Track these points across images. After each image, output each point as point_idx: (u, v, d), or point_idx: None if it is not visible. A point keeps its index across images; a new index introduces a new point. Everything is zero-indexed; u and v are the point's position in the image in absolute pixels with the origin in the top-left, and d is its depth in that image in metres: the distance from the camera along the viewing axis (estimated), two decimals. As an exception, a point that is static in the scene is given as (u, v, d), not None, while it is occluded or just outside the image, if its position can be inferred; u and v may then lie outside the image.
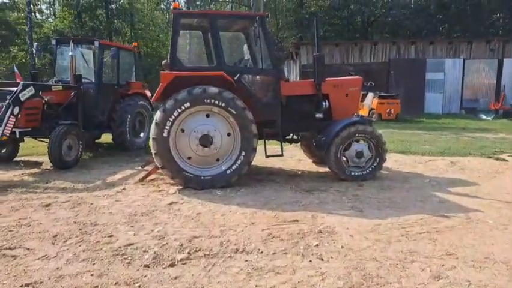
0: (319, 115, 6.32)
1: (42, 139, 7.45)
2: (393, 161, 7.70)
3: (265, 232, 3.86)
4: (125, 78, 9.08)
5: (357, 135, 5.97)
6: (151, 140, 5.33)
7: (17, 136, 6.54)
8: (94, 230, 3.86)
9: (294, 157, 8.22)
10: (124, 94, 8.73)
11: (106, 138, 9.44)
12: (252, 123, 5.52)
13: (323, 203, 4.88)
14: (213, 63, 5.76)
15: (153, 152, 5.31)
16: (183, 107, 5.30)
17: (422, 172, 6.87)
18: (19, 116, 6.34)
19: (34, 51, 8.21)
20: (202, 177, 5.50)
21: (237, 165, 5.57)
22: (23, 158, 7.91)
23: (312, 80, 6.30)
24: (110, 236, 3.70)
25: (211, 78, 5.48)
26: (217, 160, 5.68)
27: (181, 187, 5.49)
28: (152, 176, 6.04)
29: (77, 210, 4.54)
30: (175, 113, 5.30)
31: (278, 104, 5.99)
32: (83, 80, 8.15)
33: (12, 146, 7.30)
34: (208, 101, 5.35)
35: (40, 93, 6.75)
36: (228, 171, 5.56)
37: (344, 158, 6.07)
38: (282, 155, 6.10)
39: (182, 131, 5.50)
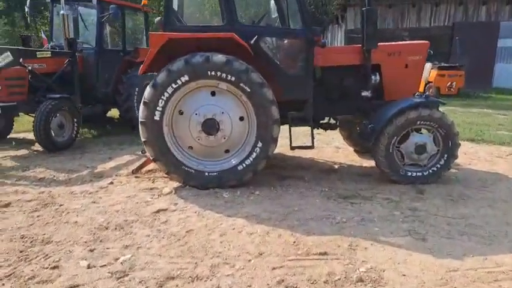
0: (366, 93, 4.83)
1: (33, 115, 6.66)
2: (461, 154, 6.01)
3: (276, 274, 2.66)
4: (133, 43, 7.98)
5: (419, 122, 4.43)
6: (139, 124, 4.20)
7: (-1, 112, 5.74)
8: (38, 254, 2.88)
9: (331, 144, 6.81)
10: (131, 62, 7.66)
11: (116, 113, 8.59)
12: (273, 104, 4.19)
13: (365, 222, 3.54)
14: (221, 22, 4.40)
15: (142, 139, 4.20)
16: (179, 82, 4.07)
17: (504, 172, 5.21)
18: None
19: (27, 9, 7.28)
20: (207, 174, 4.34)
21: (251, 159, 4.33)
22: (20, 135, 7.25)
23: (359, 45, 4.75)
24: (54, 268, 2.69)
25: (218, 42, 4.17)
26: (227, 152, 4.47)
27: (179, 184, 4.39)
28: (150, 166, 4.99)
29: (38, 215, 3.60)
30: (169, 90, 4.09)
31: (310, 78, 4.56)
32: (83, 46, 7.17)
33: (4, 122, 6.57)
34: (213, 73, 4.07)
35: (21, 60, 5.83)
36: (240, 167, 4.35)
37: (399, 153, 4.58)
38: (312, 147, 4.74)
39: (181, 113, 4.31)
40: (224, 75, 4.09)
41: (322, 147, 6.58)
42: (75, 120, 6.27)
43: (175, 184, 4.42)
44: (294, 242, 3.12)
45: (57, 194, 4.17)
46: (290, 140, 4.69)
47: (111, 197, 4.11)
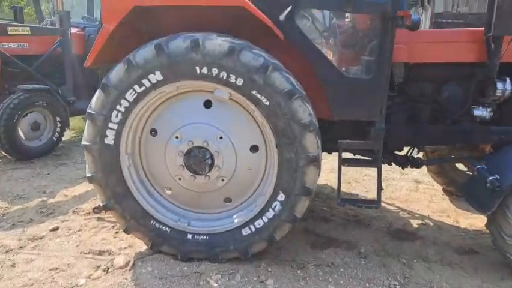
0: (482, 112, 2.79)
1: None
2: None
3: None
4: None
5: None
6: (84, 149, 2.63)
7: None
8: None
9: (405, 174, 4.73)
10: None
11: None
12: (310, 130, 2.39)
13: None
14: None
15: (88, 174, 2.63)
16: (147, 83, 2.41)
17: None
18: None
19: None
20: (191, 236, 2.68)
21: (265, 220, 2.57)
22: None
23: (480, 29, 2.70)
24: None
25: (219, 15, 2.42)
26: (227, 201, 2.75)
27: (146, 248, 2.78)
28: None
29: None
30: (130, 96, 2.44)
31: (385, 84, 2.63)
32: (85, 22, 5.86)
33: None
34: (206, 71, 2.34)
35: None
36: (246, 231, 2.62)
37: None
38: (378, 205, 2.80)
39: (153, 133, 2.66)
40: (224, 74, 2.34)
41: (392, 179, 4.56)
42: (58, 118, 4.98)
43: (141, 247, 2.81)
44: None
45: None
46: (338, 188, 2.81)
47: (29, 265, 2.58)
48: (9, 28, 4.97)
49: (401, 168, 3.33)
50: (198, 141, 2.54)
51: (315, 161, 2.44)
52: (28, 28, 5.20)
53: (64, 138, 5.29)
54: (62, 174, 4.42)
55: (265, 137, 2.56)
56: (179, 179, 2.65)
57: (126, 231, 2.69)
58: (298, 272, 2.65)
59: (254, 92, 2.35)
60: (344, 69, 2.70)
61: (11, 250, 2.77)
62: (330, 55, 2.76)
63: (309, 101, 2.44)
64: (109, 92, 2.43)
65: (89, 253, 2.73)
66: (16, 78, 5.09)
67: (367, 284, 2.57)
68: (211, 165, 2.56)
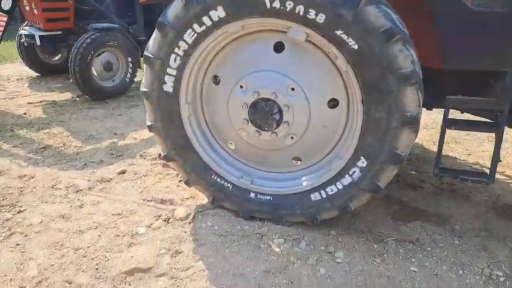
0: None
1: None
2: None
3: None
4: None
5: None
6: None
7: (38, 42, 4.75)
8: None
9: None
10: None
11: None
12: (411, 82, 1.84)
13: None
14: None
15: (147, 122, 2.47)
16: (208, 21, 2.03)
17: None
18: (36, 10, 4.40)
19: None
20: (253, 195, 2.45)
21: (341, 186, 2.21)
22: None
23: None
24: None
25: None
26: (296, 160, 2.42)
27: (208, 202, 2.65)
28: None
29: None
30: (189, 36, 2.11)
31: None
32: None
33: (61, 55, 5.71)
34: (280, 5, 1.87)
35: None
36: (316, 196, 2.30)
37: None
38: (489, 181, 2.21)
39: (216, 81, 2.35)
40: (302, 8, 1.85)
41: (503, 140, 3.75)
42: (129, 59, 4.94)
43: (203, 199, 2.69)
44: None
45: (33, 187, 2.93)
46: (438, 155, 2.27)
47: (95, 208, 2.62)
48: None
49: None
50: (265, 93, 2.17)
51: (413, 123, 1.93)
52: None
53: (136, 79, 5.31)
54: (133, 116, 4.47)
55: (348, 90, 2.09)
56: (243, 133, 2.36)
57: (187, 183, 2.56)
58: (375, 246, 2.30)
59: (339, 32, 1.85)
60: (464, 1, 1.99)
61: (80, 190, 2.85)
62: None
63: (412, 44, 1.86)
64: (165, 32, 2.13)
65: (151, 201, 2.70)
66: (89, 16, 5.07)
67: (460, 271, 2.13)
68: (280, 121, 2.21)
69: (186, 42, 2.13)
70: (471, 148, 3.81)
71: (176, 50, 2.16)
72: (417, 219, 2.60)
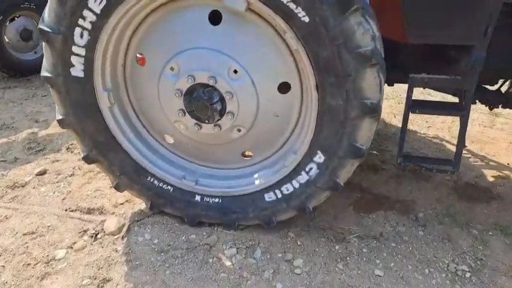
0: None
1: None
2: None
3: None
4: None
5: None
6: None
7: None
8: None
9: (495, 122, 3.75)
10: None
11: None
12: (372, 61, 1.52)
13: None
14: None
15: (58, 116, 1.98)
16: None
17: None
18: None
19: None
20: (199, 198, 2.09)
21: (297, 185, 1.90)
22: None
23: None
24: None
25: None
26: (244, 156, 2.08)
27: (146, 209, 2.26)
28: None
29: None
30: (95, 3, 1.61)
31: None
32: None
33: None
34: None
35: None
36: (270, 196, 1.98)
37: None
38: (455, 169, 2.01)
39: (140, 59, 1.88)
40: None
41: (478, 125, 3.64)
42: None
43: (140, 204, 2.29)
44: None
45: None
46: (401, 143, 2.02)
47: (3, 226, 2.11)
48: None
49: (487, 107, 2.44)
50: (202, 77, 1.76)
51: (374, 112, 1.63)
52: None
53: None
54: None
55: (301, 72, 1.73)
56: (181, 126, 1.96)
57: (117, 188, 2.14)
58: (337, 247, 2.07)
59: (285, 0, 1.45)
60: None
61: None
62: None
63: (373, 15, 1.52)
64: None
65: (76, 210, 2.25)
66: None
67: (426, 270, 1.97)
68: (222, 112, 1.82)
69: (93, 12, 1.64)
70: (430, 120, 3.69)
71: (81, 22, 1.66)
72: (379, 209, 2.40)
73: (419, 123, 3.65)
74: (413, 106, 1.91)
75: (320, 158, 1.80)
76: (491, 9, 1.64)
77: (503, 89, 2.43)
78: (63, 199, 2.35)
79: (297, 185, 1.91)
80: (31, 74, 4.19)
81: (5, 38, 3.90)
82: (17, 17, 4.00)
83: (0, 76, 4.19)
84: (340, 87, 1.58)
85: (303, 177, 1.88)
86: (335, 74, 1.56)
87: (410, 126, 3.48)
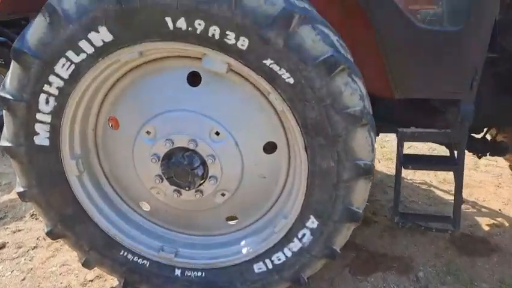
0: None
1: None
2: None
3: None
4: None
5: None
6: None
7: None
8: None
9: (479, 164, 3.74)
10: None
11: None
12: (362, 121, 1.45)
13: None
14: None
15: (18, 189, 1.77)
16: (87, 47, 1.44)
17: None
18: None
19: None
20: (180, 272, 1.87)
21: (289, 254, 1.72)
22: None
23: None
24: None
25: None
26: (229, 220, 1.91)
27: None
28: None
29: None
30: (63, 69, 1.49)
31: (483, 37, 1.60)
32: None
33: None
34: (186, 25, 1.35)
35: None
36: (260, 267, 1.79)
37: None
38: (456, 227, 1.90)
39: (113, 122, 1.74)
40: (216, 30, 1.35)
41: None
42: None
43: (112, 281, 2.03)
44: None
45: None
46: (396, 200, 1.91)
47: None
48: None
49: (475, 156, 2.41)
50: (182, 140, 1.63)
51: (368, 173, 1.53)
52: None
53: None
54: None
55: (287, 131, 1.63)
56: (158, 193, 1.78)
57: (86, 265, 1.89)
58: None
59: (268, 62, 1.38)
60: (416, 15, 1.65)
61: None
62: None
63: (359, 74, 1.47)
64: (27, 63, 1.48)
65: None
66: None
67: None
68: (204, 176, 1.67)
69: (60, 77, 1.51)
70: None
71: (47, 87, 1.53)
72: (377, 270, 2.24)
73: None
74: (406, 162, 1.84)
75: (313, 223, 1.65)
76: (476, 63, 1.62)
77: (488, 136, 2.43)
78: (22, 279, 2.07)
79: (289, 254, 1.74)
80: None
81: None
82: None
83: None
84: (330, 148, 1.48)
85: (295, 245, 1.71)
86: (324, 135, 1.46)
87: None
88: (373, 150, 1.53)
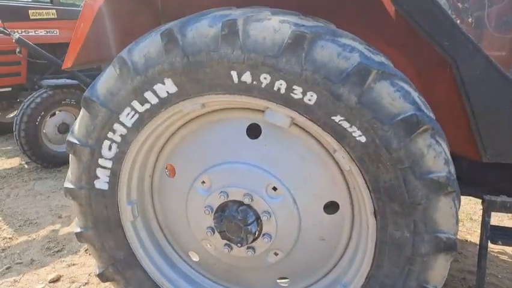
0: None
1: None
2: None
3: None
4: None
5: None
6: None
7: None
8: None
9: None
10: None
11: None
12: (447, 189, 1.27)
13: None
14: None
15: (76, 229, 1.81)
16: (152, 98, 1.47)
17: None
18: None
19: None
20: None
21: (346, 327, 1.53)
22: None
23: None
24: None
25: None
26: (282, 279, 1.77)
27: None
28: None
29: None
30: (127, 118, 1.52)
31: None
32: None
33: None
34: (251, 79, 1.32)
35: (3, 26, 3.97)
36: (312, 337, 1.60)
37: None
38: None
39: (170, 170, 1.74)
40: (283, 84, 1.30)
41: None
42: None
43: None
44: None
45: None
46: (480, 281, 1.65)
47: None
48: (30, 11, 4.37)
49: None
50: (237, 194, 1.57)
51: (450, 248, 1.32)
52: (54, 11, 4.57)
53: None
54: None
55: (352, 193, 1.50)
56: (208, 245, 1.72)
57: (130, 314, 1.85)
58: None
59: (338, 118, 1.29)
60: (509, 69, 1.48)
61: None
62: (486, 44, 1.56)
63: (444, 135, 1.31)
64: (95, 111, 1.54)
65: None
66: (46, 71, 4.56)
67: None
68: (257, 234, 1.58)
69: (124, 125, 1.54)
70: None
71: (110, 135, 1.57)
72: None
73: (477, 232, 3.20)
74: (494, 236, 1.59)
75: (379, 299, 1.46)
76: None
77: None
78: (71, 319, 2.07)
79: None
80: (64, 164, 4.25)
81: (43, 130, 4.04)
82: (59, 111, 4.19)
83: (34, 167, 4.27)
84: (406, 216, 1.31)
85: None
86: (400, 201, 1.30)
87: (467, 237, 3.05)
88: (457, 222, 1.34)
